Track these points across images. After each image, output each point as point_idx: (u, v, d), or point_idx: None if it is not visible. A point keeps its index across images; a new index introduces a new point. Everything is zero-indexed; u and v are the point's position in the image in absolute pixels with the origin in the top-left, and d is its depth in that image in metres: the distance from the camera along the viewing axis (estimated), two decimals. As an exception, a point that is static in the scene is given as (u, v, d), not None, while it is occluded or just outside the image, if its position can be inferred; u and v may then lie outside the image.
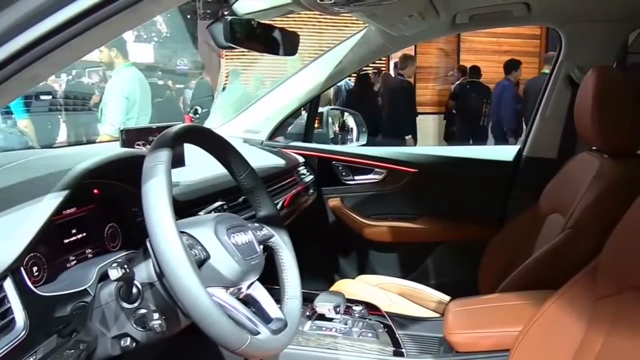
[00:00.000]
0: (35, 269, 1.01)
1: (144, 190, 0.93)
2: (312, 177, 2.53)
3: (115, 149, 1.40)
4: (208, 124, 2.76)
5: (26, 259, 0.99)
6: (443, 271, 2.43)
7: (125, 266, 0.93)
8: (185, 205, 1.41)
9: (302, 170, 2.49)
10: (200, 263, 1.01)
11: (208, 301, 0.90)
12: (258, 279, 1.15)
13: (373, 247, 2.54)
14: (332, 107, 3.30)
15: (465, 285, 1.95)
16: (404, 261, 2.51)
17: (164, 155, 0.98)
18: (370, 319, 1.55)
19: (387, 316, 1.57)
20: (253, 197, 1.29)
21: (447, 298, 1.99)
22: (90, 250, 1.19)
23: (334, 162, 2.55)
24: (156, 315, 1.02)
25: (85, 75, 8.10)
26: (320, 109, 2.88)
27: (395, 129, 6.80)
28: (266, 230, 1.25)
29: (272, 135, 2.64)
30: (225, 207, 1.35)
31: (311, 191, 2.47)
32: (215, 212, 1.33)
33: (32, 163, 1.17)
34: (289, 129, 2.86)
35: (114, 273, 0.91)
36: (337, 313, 1.50)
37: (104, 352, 1.07)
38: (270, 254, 1.24)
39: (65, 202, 1.05)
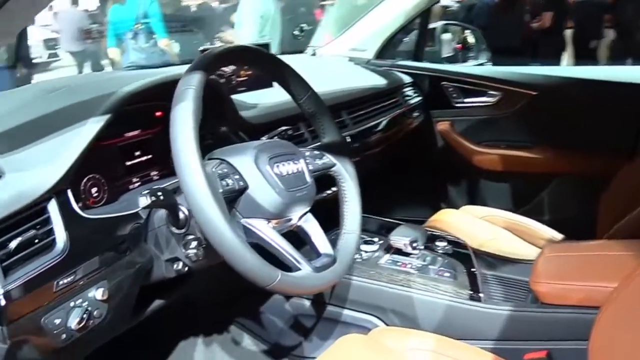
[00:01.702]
0: (94, 190, 1.03)
1: (171, 115, 0.89)
2: (419, 98, 2.37)
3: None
4: (313, 43, 2.66)
5: (84, 180, 1.01)
6: (558, 207, 2.18)
7: (159, 193, 0.91)
8: (261, 129, 1.36)
9: (408, 90, 2.34)
10: (238, 193, 0.96)
11: (231, 236, 0.85)
12: (312, 211, 1.08)
13: (482, 176, 2.35)
14: (447, 22, 3.00)
15: (582, 224, 1.72)
16: (516, 193, 2.29)
17: (196, 78, 0.92)
18: (453, 257, 1.43)
19: (473, 255, 1.43)
20: (316, 122, 1.20)
21: (559, 236, 1.79)
22: (155, 173, 1.20)
23: (444, 82, 2.35)
24: (194, 244, 1.00)
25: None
26: (432, 25, 2.63)
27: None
28: (327, 159, 1.17)
29: (379, 54, 2.49)
30: (289, 132, 1.28)
31: (416, 113, 2.32)
32: (278, 137, 1.26)
33: (80, 87, 1.17)
34: (400, 46, 2.68)
35: (143, 200, 0.88)
36: (414, 249, 1.39)
37: (160, 273, 1.09)
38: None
39: (116, 126, 1.05)
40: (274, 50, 4.40)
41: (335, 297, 1.40)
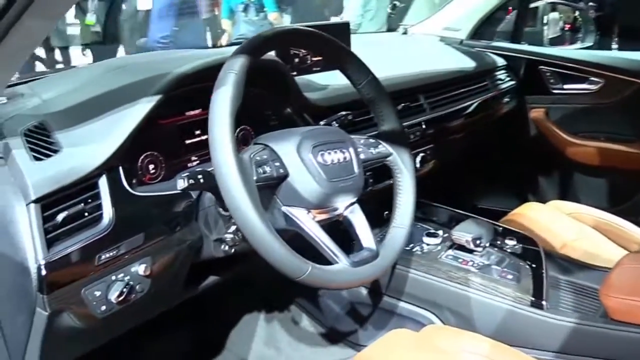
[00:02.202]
0: (151, 166, 1.06)
1: (212, 99, 0.89)
2: (512, 82, 2.23)
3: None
4: (406, 21, 2.57)
5: (142, 157, 1.04)
6: (659, 209, 1.98)
7: (199, 176, 0.91)
8: (327, 112, 1.33)
9: (501, 74, 2.20)
10: (278, 180, 0.95)
11: (260, 226, 0.84)
12: (364, 203, 1.05)
13: (576, 170, 2.18)
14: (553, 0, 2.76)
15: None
16: (611, 190, 2.11)
17: (239, 63, 0.90)
18: (520, 258, 1.34)
19: (544, 257, 1.33)
20: (374, 109, 1.16)
21: (655, 243, 1.62)
22: None
23: (541, 66, 2.18)
24: (234, 227, 1.00)
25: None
26: (535, 3, 2.45)
27: None
28: (382, 148, 1.13)
29: (473, 34, 2.36)
30: (349, 118, 1.24)
31: (507, 99, 2.18)
32: (337, 123, 1.23)
33: (140, 66, 1.20)
34: (499, 27, 2.53)
35: (180, 183, 0.89)
36: (477, 246, 1.32)
37: (209, 252, 1.11)
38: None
39: (177, 105, 1.08)
40: (378, 26, 4.36)
41: (392, 289, 1.37)
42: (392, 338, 1.14)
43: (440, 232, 1.43)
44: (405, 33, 2.49)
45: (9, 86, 1.17)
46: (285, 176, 0.95)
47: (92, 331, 0.95)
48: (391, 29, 2.57)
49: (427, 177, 1.69)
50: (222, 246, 1.07)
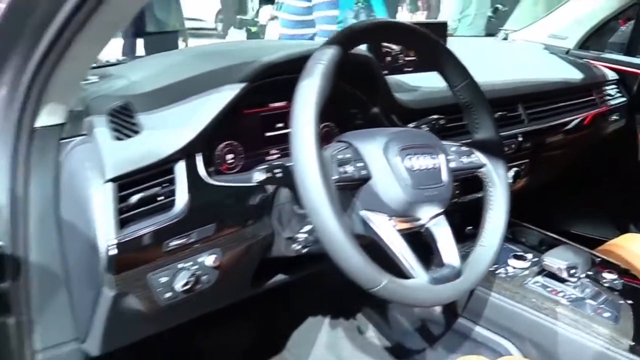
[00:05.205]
0: (230, 156, 1.03)
1: (296, 89, 0.83)
2: (623, 99, 2.04)
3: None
4: (507, 26, 2.42)
5: (221, 145, 1.01)
6: None
7: (276, 170, 0.86)
8: (416, 114, 1.25)
9: (610, 89, 2.02)
10: (359, 182, 0.88)
11: (337, 229, 0.77)
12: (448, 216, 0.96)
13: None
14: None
15: None
16: None
17: (329, 54, 0.84)
18: (620, 294, 1.19)
19: None
20: (470, 115, 1.06)
21: None
22: None
23: (658, 83, 1.98)
24: (307, 228, 0.94)
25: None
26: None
27: None
28: (475, 157, 1.03)
29: (583, 43, 2.18)
30: (440, 122, 1.14)
31: (616, 116, 2.00)
32: (427, 127, 1.14)
33: (225, 53, 1.16)
34: (612, 37, 2.32)
35: (257, 176, 0.84)
36: (571, 276, 1.19)
37: (279, 250, 1.06)
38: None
39: (262, 95, 1.04)
40: (477, 30, 4.20)
41: (469, 311, 1.26)
42: (467, 364, 1.05)
43: (529, 256, 1.30)
44: (505, 38, 2.35)
45: (99, 67, 1.18)
46: (367, 178, 0.87)
47: (154, 317, 0.94)
48: (490, 33, 2.43)
49: (519, 194, 1.56)
50: (294, 245, 1.01)
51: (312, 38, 2.97)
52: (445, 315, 1.32)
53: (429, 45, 1.00)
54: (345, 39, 0.87)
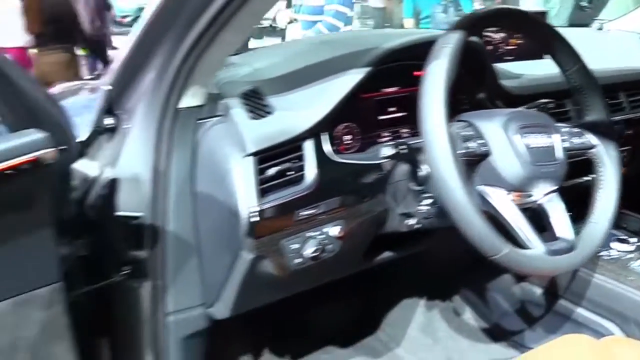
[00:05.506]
0: (348, 137, 1.10)
1: (426, 69, 0.89)
2: None
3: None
4: (603, 15, 2.38)
5: (340, 127, 1.09)
6: None
7: (403, 147, 0.93)
8: (520, 100, 1.28)
9: None
10: (479, 158, 0.94)
11: (465, 199, 0.84)
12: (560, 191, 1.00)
13: None
14: None
15: None
16: None
17: (455, 37, 0.90)
18: None
19: None
20: (581, 97, 1.09)
21: None
22: (406, 130, 1.21)
23: None
24: (428, 201, 1.01)
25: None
26: None
27: None
28: (586, 139, 1.06)
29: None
30: (549, 106, 1.17)
31: None
32: (537, 109, 1.17)
33: (344, 41, 1.24)
34: None
35: (386, 150, 0.92)
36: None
37: (393, 225, 1.13)
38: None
39: (376, 80, 1.10)
40: (560, 22, 4.09)
41: (571, 292, 1.29)
42: (566, 342, 1.06)
43: (634, 240, 1.31)
44: (600, 29, 2.30)
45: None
46: (487, 154, 0.94)
47: (282, 281, 1.03)
48: (584, 24, 2.39)
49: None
50: (407, 220, 1.09)
51: None
52: (545, 297, 1.35)
53: (543, 31, 1.05)
54: (469, 24, 0.93)
